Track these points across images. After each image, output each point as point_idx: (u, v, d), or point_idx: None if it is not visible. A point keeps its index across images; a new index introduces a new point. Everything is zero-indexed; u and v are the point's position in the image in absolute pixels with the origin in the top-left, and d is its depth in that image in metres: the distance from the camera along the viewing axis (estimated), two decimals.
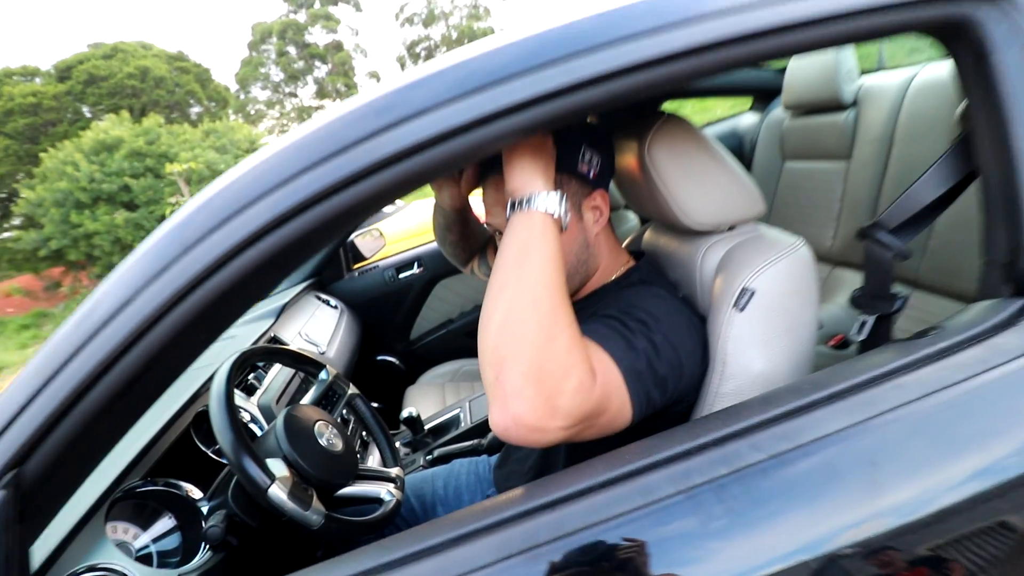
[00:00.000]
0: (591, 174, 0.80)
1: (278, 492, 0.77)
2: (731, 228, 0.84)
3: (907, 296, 0.72)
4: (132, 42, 16.15)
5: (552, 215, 0.64)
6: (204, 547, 0.86)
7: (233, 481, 0.90)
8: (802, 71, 1.67)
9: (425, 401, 1.86)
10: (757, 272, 0.74)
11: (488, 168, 0.85)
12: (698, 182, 0.80)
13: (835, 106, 1.60)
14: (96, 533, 0.79)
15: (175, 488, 0.93)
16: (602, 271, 0.86)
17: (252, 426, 1.18)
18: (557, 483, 0.52)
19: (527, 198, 0.65)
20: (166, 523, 0.93)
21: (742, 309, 0.73)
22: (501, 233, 0.83)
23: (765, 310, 0.73)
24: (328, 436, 0.96)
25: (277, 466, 0.84)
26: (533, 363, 0.55)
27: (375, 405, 2.26)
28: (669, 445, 0.51)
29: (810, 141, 1.70)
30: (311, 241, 0.52)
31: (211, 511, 0.92)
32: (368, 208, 0.53)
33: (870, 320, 0.73)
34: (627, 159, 0.86)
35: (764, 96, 2.02)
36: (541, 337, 0.56)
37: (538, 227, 0.63)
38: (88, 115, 14.75)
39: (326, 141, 0.53)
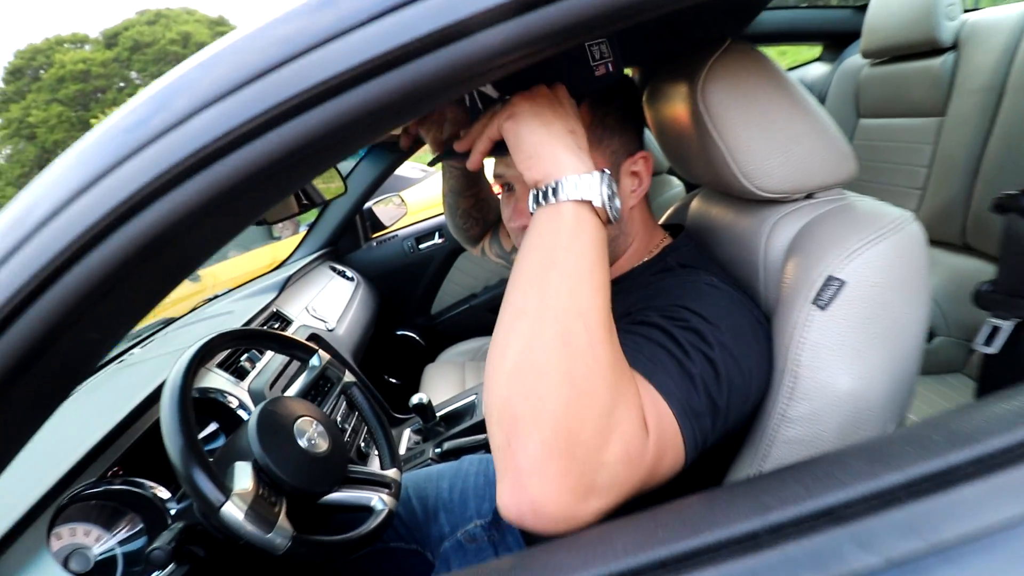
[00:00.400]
0: (609, 68, 0.59)
1: (233, 512, 0.64)
2: (809, 196, 0.65)
3: None
4: (176, 8, 16.28)
5: (592, 203, 0.46)
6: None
7: None
8: (888, 7, 1.39)
9: (443, 381, 1.73)
10: (849, 256, 0.54)
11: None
12: (768, 132, 0.60)
13: (929, 50, 1.33)
14: (34, 545, 0.68)
15: (138, 487, 0.82)
16: (633, 251, 0.68)
17: (240, 412, 1.06)
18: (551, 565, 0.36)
19: (552, 186, 0.46)
20: (131, 526, 0.83)
21: (825, 306, 0.54)
22: (509, 187, 0.65)
23: (858, 308, 0.53)
24: (311, 435, 0.83)
25: (243, 473, 0.72)
26: (560, 427, 0.38)
27: (393, 381, 2.17)
28: (720, 519, 0.34)
29: (894, 93, 1.43)
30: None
31: (176, 517, 0.81)
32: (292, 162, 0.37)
33: (1006, 326, 0.53)
34: (673, 104, 0.66)
35: (837, 42, 1.73)
36: (572, 390, 0.39)
37: (568, 227, 0.45)
38: (136, 81, 15.05)
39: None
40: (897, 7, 1.36)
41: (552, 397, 0.39)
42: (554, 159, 0.47)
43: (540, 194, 0.47)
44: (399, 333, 2.19)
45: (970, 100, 1.24)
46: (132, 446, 0.88)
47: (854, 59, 1.57)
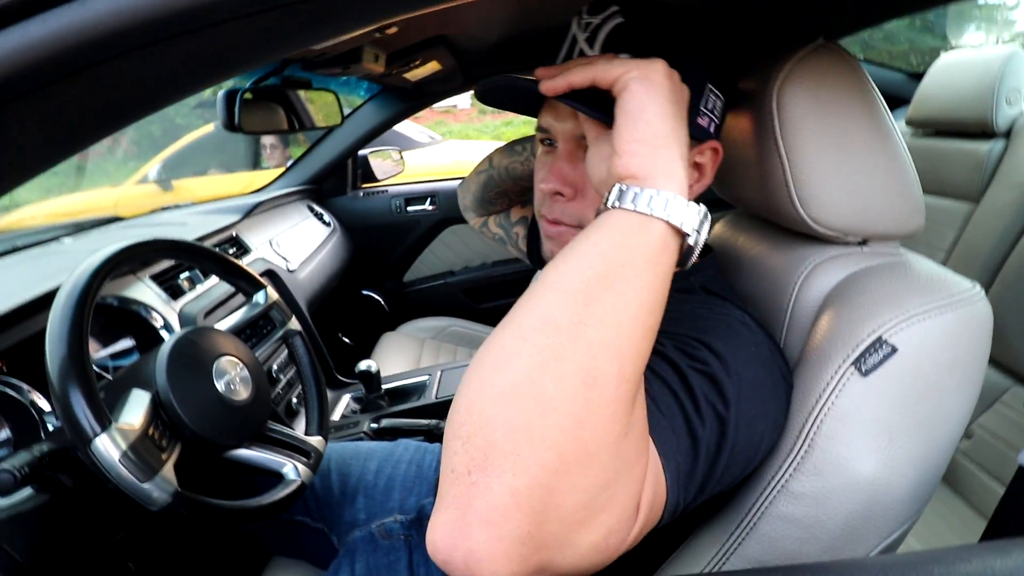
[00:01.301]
0: (711, 127, 0.50)
1: (107, 448, 0.53)
2: (863, 243, 0.56)
3: None
4: None
5: (681, 231, 0.36)
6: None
7: None
8: (947, 79, 1.32)
9: (398, 354, 1.62)
10: (907, 320, 0.45)
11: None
12: (841, 156, 0.51)
13: (979, 131, 1.26)
14: None
15: (14, 390, 0.70)
16: None
17: (163, 333, 0.94)
18: None
19: (648, 192, 0.36)
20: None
21: (867, 371, 0.45)
22: (551, 143, 0.55)
23: (905, 382, 0.45)
24: (232, 378, 0.71)
25: (136, 405, 0.60)
26: (542, 482, 0.29)
27: (346, 341, 2.05)
28: None
29: (931, 169, 1.37)
30: None
31: (53, 435, 0.68)
32: None
33: None
34: (739, 106, 0.57)
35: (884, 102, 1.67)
36: (574, 443, 0.30)
37: (650, 249, 0.35)
38: None
39: None
40: (957, 81, 1.29)
41: (547, 442, 0.29)
42: (669, 162, 0.37)
43: (632, 194, 0.36)
44: (364, 292, 2.06)
45: (1010, 193, 1.18)
46: (24, 340, 0.75)
47: (897, 125, 1.51)
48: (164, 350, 0.66)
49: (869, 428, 0.44)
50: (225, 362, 0.72)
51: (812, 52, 0.51)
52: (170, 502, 0.56)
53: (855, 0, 0.67)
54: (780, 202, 0.55)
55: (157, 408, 0.62)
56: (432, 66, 1.29)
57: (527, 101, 0.55)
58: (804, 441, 0.46)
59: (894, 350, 0.45)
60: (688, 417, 0.39)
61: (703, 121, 0.49)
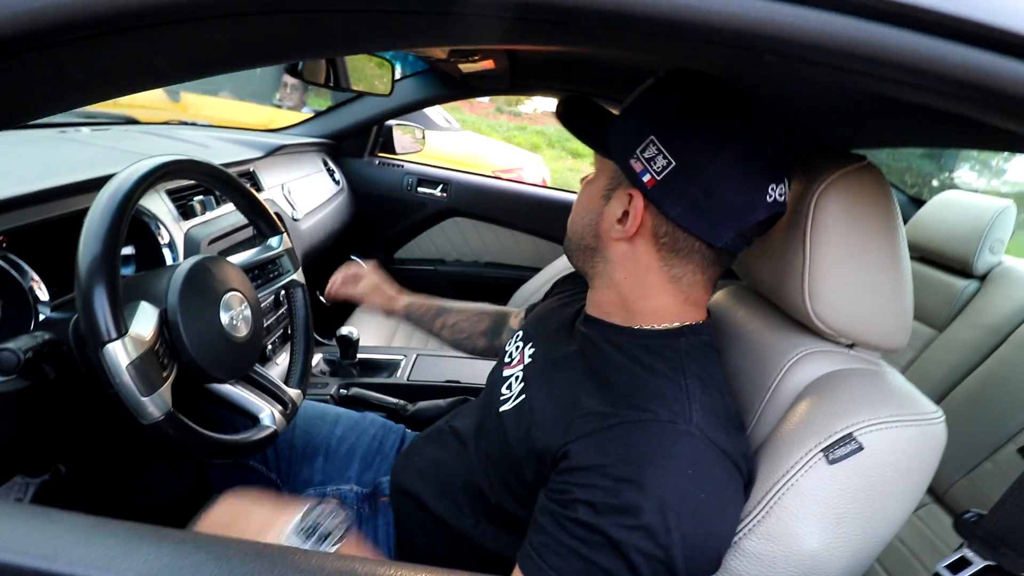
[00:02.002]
0: (642, 173, 0.55)
1: (118, 354, 0.54)
2: (851, 346, 0.62)
3: None
4: None
5: None
6: None
7: None
8: (943, 214, 1.43)
9: (373, 327, 1.63)
10: (877, 424, 0.51)
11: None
12: (855, 269, 0.57)
13: (959, 269, 1.37)
14: None
15: (17, 270, 0.69)
16: (641, 305, 0.61)
17: (165, 251, 0.94)
18: None
19: None
20: None
21: (833, 461, 0.50)
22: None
23: (861, 478, 0.50)
24: (236, 314, 0.73)
25: (146, 318, 0.61)
26: None
27: (323, 300, 2.03)
28: None
29: None
30: None
31: (44, 325, 0.68)
32: None
33: (977, 564, 0.51)
34: None
35: None
36: None
37: None
38: None
39: None
40: (951, 219, 1.40)
41: None
42: None
43: None
44: (352, 257, 2.06)
45: (971, 332, 1.29)
46: (32, 226, 0.74)
47: None
48: (181, 272, 0.67)
49: (822, 510, 0.50)
50: (233, 297, 0.73)
51: (856, 170, 0.57)
52: (161, 420, 0.57)
53: (876, 126, 0.74)
54: (791, 290, 0.60)
55: (163, 326, 0.63)
56: (487, 64, 1.32)
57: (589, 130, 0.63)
58: (763, 508, 0.51)
59: (861, 448, 0.50)
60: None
61: (636, 165, 0.56)
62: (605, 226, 0.60)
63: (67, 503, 0.93)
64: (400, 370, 1.30)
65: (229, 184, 0.79)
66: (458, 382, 1.24)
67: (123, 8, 0.30)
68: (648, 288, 0.60)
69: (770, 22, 0.32)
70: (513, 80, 1.54)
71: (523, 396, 0.64)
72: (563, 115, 0.66)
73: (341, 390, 1.14)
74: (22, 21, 0.27)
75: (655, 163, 0.54)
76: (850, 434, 0.51)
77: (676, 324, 0.61)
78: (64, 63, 0.31)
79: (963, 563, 0.52)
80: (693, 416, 0.51)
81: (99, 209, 0.57)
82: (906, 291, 0.58)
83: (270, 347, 1.19)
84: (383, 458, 0.90)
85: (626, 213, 0.58)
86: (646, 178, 0.55)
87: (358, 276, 1.07)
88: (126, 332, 0.55)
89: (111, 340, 0.53)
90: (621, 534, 0.46)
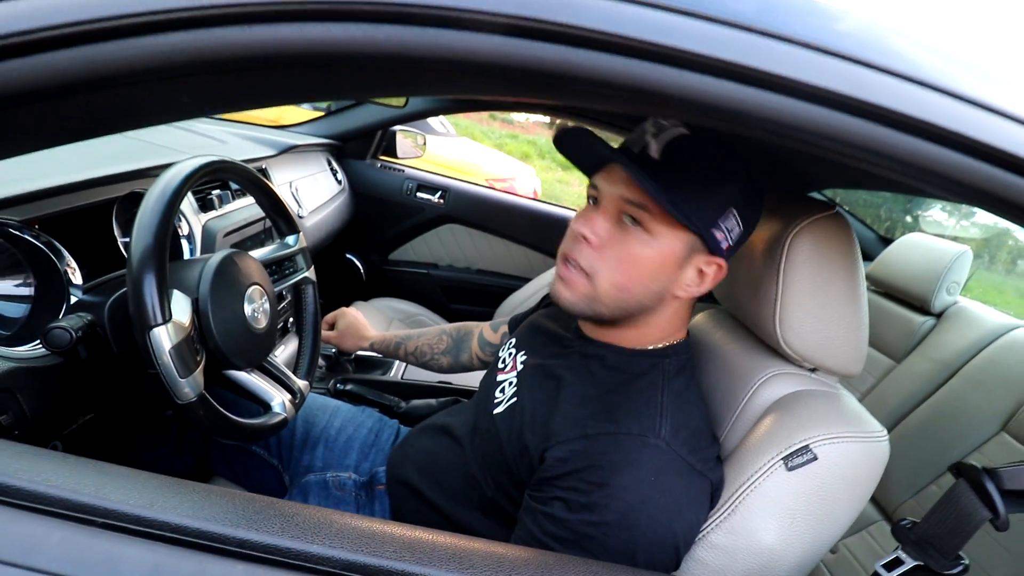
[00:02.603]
0: (724, 243, 0.62)
1: (162, 338, 0.59)
2: (813, 370, 0.70)
3: (967, 564, 0.59)
4: None
5: None
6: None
7: (122, 290, 0.71)
8: (907, 253, 1.55)
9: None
10: (830, 438, 0.59)
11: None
12: (820, 303, 0.65)
13: (919, 306, 1.49)
14: None
15: (54, 253, 0.74)
16: (648, 332, 0.68)
17: (184, 243, 0.98)
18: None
19: None
20: (22, 286, 0.74)
21: (791, 468, 0.58)
22: (596, 201, 0.65)
23: (815, 484, 0.58)
24: (257, 307, 0.78)
25: (180, 306, 0.66)
26: None
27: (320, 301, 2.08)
28: None
29: (872, 322, 1.57)
30: None
31: (78, 306, 0.73)
32: None
33: (908, 563, 0.59)
34: (759, 235, 0.70)
35: None
36: None
37: None
38: None
39: None
40: (915, 258, 1.51)
41: None
42: None
43: None
44: (347, 256, 2.11)
45: (925, 365, 1.40)
46: (63, 213, 0.79)
47: None
48: (212, 264, 0.73)
49: (780, 510, 0.57)
50: (255, 290, 0.79)
51: (826, 217, 0.65)
52: (194, 400, 0.63)
53: (850, 170, 0.83)
54: (764, 317, 0.68)
55: (195, 315, 0.69)
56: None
57: (585, 158, 0.66)
58: (730, 506, 0.59)
59: (815, 458, 0.58)
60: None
61: (718, 234, 0.61)
62: (677, 290, 0.64)
63: None
64: (394, 368, 1.35)
65: (257, 185, 0.84)
66: (449, 383, 1.31)
67: (166, 63, 0.36)
68: (664, 320, 0.68)
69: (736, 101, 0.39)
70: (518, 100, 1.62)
71: (515, 399, 0.71)
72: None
73: (338, 384, 1.19)
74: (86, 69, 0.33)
75: (732, 231, 0.62)
76: (807, 446, 0.59)
77: (663, 344, 0.68)
78: (181, 92, 0.37)
79: (897, 562, 0.61)
80: (662, 431, 0.58)
81: (150, 204, 0.63)
82: (863, 325, 0.66)
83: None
84: (379, 449, 0.96)
85: (700, 274, 0.64)
86: (724, 245, 0.62)
87: (333, 320, 1.21)
88: (171, 318, 0.60)
89: (157, 325, 0.59)
90: (587, 529, 0.54)
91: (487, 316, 2.10)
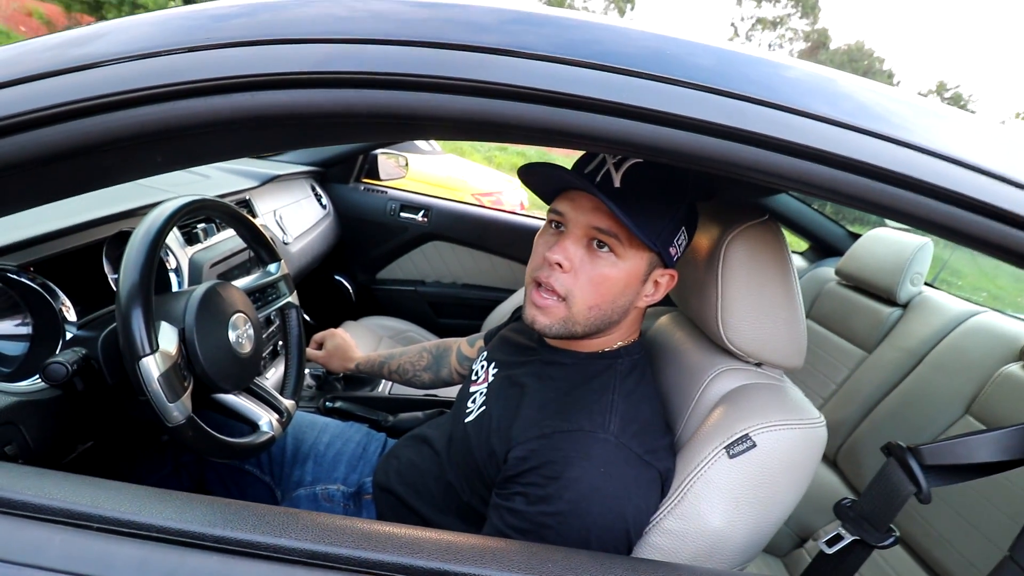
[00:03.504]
0: (675, 256, 0.70)
1: (151, 367, 0.64)
2: (759, 364, 0.75)
3: (898, 535, 0.64)
4: None
5: None
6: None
7: (113, 324, 0.76)
8: (873, 248, 1.61)
9: (357, 343, 1.73)
10: (768, 426, 0.65)
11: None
12: (757, 302, 0.71)
13: (885, 298, 1.55)
14: None
15: (49, 293, 0.79)
16: (608, 339, 0.74)
17: (172, 276, 1.04)
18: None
19: None
20: (21, 325, 0.79)
21: (733, 455, 0.63)
22: (559, 225, 0.70)
23: (755, 469, 0.63)
24: (241, 333, 0.84)
25: (167, 335, 0.71)
26: None
27: (306, 319, 2.13)
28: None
29: (842, 314, 1.64)
30: None
31: (73, 341, 0.78)
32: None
33: (848, 538, 0.64)
34: (700, 242, 0.76)
35: (823, 249, 1.96)
36: None
37: None
38: None
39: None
40: (879, 253, 1.57)
41: None
42: None
43: None
44: (336, 277, 2.16)
45: (894, 353, 1.45)
46: (57, 256, 0.84)
47: (827, 270, 1.79)
48: (197, 295, 0.78)
49: (724, 495, 0.63)
50: (239, 318, 0.84)
51: (759, 224, 0.71)
52: (183, 423, 0.68)
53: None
54: (709, 318, 0.74)
55: (182, 343, 0.74)
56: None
57: (552, 187, 0.71)
58: (679, 494, 0.64)
59: (755, 445, 0.63)
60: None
61: (672, 251, 0.68)
62: (638, 302, 0.72)
63: None
64: (382, 384, 1.40)
65: (237, 219, 0.90)
66: (436, 395, 1.35)
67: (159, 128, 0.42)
68: (623, 327, 0.74)
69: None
70: None
71: (484, 408, 0.76)
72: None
73: (327, 402, 1.24)
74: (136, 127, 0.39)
75: (682, 245, 0.70)
76: (747, 434, 0.64)
77: (617, 345, 0.74)
78: (155, 152, 0.43)
79: (838, 538, 0.66)
80: (611, 426, 0.64)
81: (136, 243, 0.68)
82: (799, 321, 0.72)
83: (262, 361, 1.29)
84: (366, 462, 1.01)
85: (655, 284, 0.71)
86: (676, 257, 0.70)
87: (322, 340, 1.27)
88: (157, 348, 0.66)
89: (146, 355, 0.64)
90: (544, 519, 0.59)
91: (475, 328, 2.16)
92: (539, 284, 0.69)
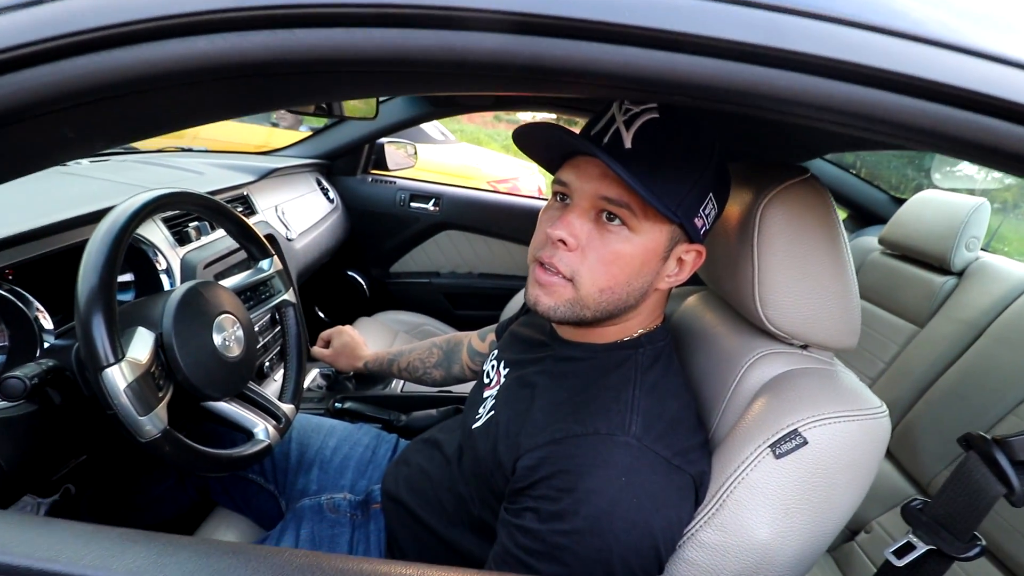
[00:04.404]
0: (702, 229, 0.60)
1: (116, 378, 0.58)
2: (804, 347, 0.65)
3: (984, 545, 0.54)
4: None
5: None
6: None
7: None
8: (921, 212, 1.47)
9: (371, 340, 1.67)
10: (820, 420, 0.55)
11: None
12: (800, 274, 0.60)
13: (938, 266, 1.40)
14: None
15: (23, 302, 0.74)
16: (624, 327, 0.65)
17: (163, 277, 0.98)
18: None
19: None
20: None
21: (780, 455, 0.54)
22: (565, 197, 0.61)
23: (807, 471, 0.54)
24: (228, 335, 0.77)
25: (142, 343, 0.65)
26: None
27: (321, 316, 2.09)
28: None
29: (889, 287, 1.51)
30: None
31: (49, 352, 0.73)
32: None
33: (920, 548, 0.54)
34: (731, 209, 0.66)
35: (863, 217, 1.81)
36: None
37: None
38: None
39: None
40: (929, 217, 1.43)
41: None
42: None
43: None
44: (349, 273, 2.11)
45: (950, 327, 1.31)
46: (35, 259, 0.79)
47: (870, 239, 1.65)
48: (175, 297, 0.72)
49: (771, 502, 0.53)
50: (225, 319, 0.78)
51: (798, 183, 0.61)
52: (158, 437, 0.61)
53: (834, 134, 0.78)
54: (744, 296, 0.64)
55: (159, 349, 0.68)
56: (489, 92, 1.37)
57: (555, 153, 0.61)
58: (718, 501, 0.55)
59: (805, 442, 0.54)
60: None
61: (698, 222, 0.58)
62: (659, 283, 0.61)
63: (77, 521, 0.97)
64: (393, 382, 1.34)
65: (219, 212, 0.83)
66: (450, 391, 1.28)
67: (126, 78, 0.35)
68: (643, 313, 0.64)
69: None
70: (497, 96, 1.59)
71: (492, 413, 0.68)
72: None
73: (336, 403, 1.18)
74: (27, 93, 0.32)
75: (710, 216, 0.60)
76: (795, 430, 0.54)
77: (637, 333, 0.65)
78: (60, 126, 0.36)
79: (909, 548, 0.56)
80: (632, 427, 0.54)
81: (96, 243, 0.62)
82: (851, 293, 0.62)
83: (268, 364, 1.24)
84: (376, 466, 0.94)
85: (680, 262, 0.61)
86: (703, 231, 0.60)
87: (329, 338, 1.21)
88: (123, 357, 0.59)
89: (109, 365, 0.58)
90: (559, 539, 0.50)
91: (494, 319, 2.07)
92: (542, 263, 0.59)
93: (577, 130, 0.61)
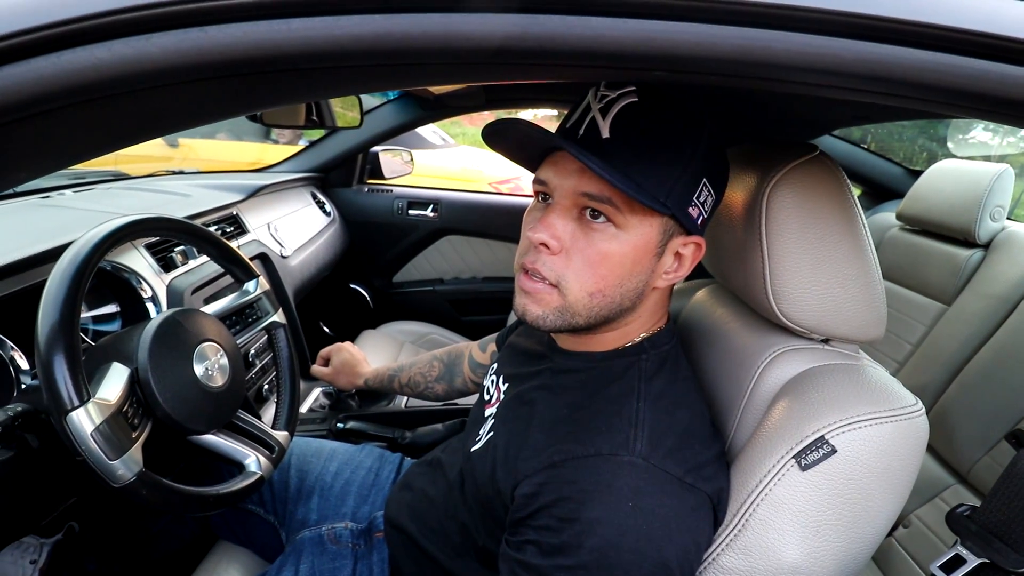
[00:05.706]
0: (699, 219, 0.54)
1: (82, 422, 0.54)
2: (826, 341, 0.60)
3: None
4: None
5: None
6: None
7: None
8: (940, 183, 1.39)
9: (376, 352, 1.63)
10: (849, 424, 0.49)
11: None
12: (815, 261, 0.55)
13: (962, 239, 1.33)
14: None
15: None
16: (624, 332, 0.59)
17: (149, 306, 0.95)
18: None
19: None
20: None
21: (806, 467, 0.48)
22: (546, 197, 0.55)
23: (838, 483, 0.48)
24: (211, 365, 0.73)
25: (115, 380, 0.61)
26: None
27: (326, 331, 2.06)
28: None
29: (911, 264, 1.43)
30: None
31: (24, 394, 0.69)
32: None
33: (972, 562, 0.49)
34: (734, 191, 0.61)
35: (878, 193, 1.73)
36: None
37: None
38: None
39: None
40: (948, 188, 1.35)
41: None
42: None
43: None
44: (351, 286, 2.08)
45: (980, 302, 1.24)
46: (8, 296, 0.76)
47: (887, 216, 1.57)
48: (150, 329, 0.68)
49: (799, 519, 0.48)
50: (207, 347, 0.74)
51: (807, 161, 0.55)
52: (133, 480, 0.57)
53: (841, 107, 0.71)
54: (755, 289, 0.58)
55: (134, 385, 0.64)
56: (458, 84, 1.33)
57: (529, 151, 0.56)
58: (739, 521, 0.49)
59: (834, 451, 0.48)
60: None
61: (693, 212, 0.52)
62: (656, 282, 0.56)
63: (80, 560, 0.94)
64: (398, 397, 1.30)
65: (196, 235, 0.80)
66: (456, 404, 1.24)
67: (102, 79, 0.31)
68: (643, 315, 0.59)
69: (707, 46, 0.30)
70: (488, 97, 1.55)
71: (491, 435, 0.63)
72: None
73: (338, 424, 1.14)
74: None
75: (706, 203, 0.54)
76: (821, 437, 0.49)
77: (639, 337, 0.59)
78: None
79: (958, 561, 0.50)
80: (637, 445, 0.49)
81: (56, 278, 0.58)
82: (873, 278, 0.56)
83: (266, 387, 1.20)
84: (379, 490, 0.90)
85: (677, 257, 0.56)
86: (700, 221, 0.54)
87: (328, 355, 1.17)
88: (89, 398, 0.55)
89: (74, 408, 0.54)
90: (562, 575, 0.45)
91: (501, 324, 2.03)
92: (526, 270, 0.54)
93: None
